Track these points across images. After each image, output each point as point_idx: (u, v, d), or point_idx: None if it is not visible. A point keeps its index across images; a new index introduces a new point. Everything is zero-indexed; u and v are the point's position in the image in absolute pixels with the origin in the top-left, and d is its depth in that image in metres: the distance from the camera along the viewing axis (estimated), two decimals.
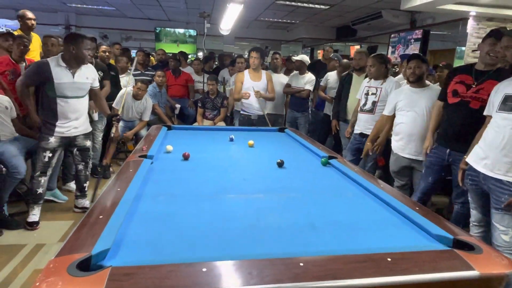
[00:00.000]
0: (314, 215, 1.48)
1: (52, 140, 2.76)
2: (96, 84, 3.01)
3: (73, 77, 2.73)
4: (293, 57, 4.86)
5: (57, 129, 2.75)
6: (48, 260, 1.00)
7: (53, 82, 2.65)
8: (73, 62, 2.72)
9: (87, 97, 2.94)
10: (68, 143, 2.89)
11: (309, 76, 4.52)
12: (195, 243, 1.20)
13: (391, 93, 3.01)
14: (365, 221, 1.45)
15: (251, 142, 2.75)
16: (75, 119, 2.83)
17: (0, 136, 2.75)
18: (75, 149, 2.97)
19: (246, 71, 3.96)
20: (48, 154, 2.76)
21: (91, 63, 3.83)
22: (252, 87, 3.77)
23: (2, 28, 8.42)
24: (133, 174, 1.79)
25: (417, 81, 2.71)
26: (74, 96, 2.77)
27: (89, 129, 3.03)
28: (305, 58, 4.59)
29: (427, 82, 2.84)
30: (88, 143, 3.04)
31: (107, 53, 4.16)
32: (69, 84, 2.72)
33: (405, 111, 2.75)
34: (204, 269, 0.99)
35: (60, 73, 2.67)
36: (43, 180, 2.79)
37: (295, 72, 4.64)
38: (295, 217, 1.45)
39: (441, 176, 2.52)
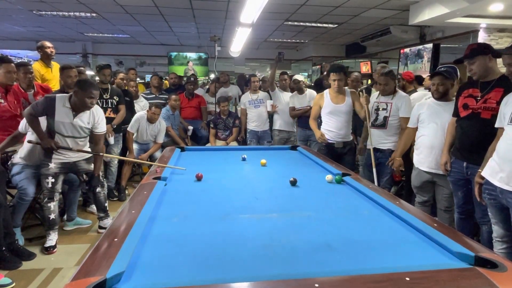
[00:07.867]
0: (329, 234, 1.46)
1: (52, 166, 2.84)
2: (100, 130, 2.97)
3: (73, 118, 2.81)
4: (296, 77, 4.59)
5: (55, 155, 2.84)
6: (64, 284, 1.01)
7: (54, 118, 2.75)
8: (76, 106, 2.80)
9: (86, 139, 2.97)
10: (70, 168, 2.96)
11: (310, 93, 4.44)
12: (209, 264, 1.20)
13: (401, 106, 3.02)
14: (382, 240, 1.42)
15: (263, 161, 2.75)
16: (71, 152, 2.89)
17: (25, 160, 2.91)
18: (85, 176, 3.05)
19: (327, 92, 3.39)
20: (51, 180, 2.84)
21: (106, 91, 3.98)
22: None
23: (24, 59, 8.84)
24: (147, 196, 1.81)
25: (441, 98, 2.67)
26: (70, 136, 2.84)
27: (89, 154, 3.01)
28: (301, 77, 4.51)
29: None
30: (93, 167, 3.08)
31: (124, 81, 4.37)
32: (68, 124, 2.80)
33: (426, 123, 2.72)
34: None
35: (62, 112, 2.77)
36: (52, 205, 2.86)
37: (294, 93, 4.56)
38: (310, 237, 1.43)
39: (469, 188, 2.45)
